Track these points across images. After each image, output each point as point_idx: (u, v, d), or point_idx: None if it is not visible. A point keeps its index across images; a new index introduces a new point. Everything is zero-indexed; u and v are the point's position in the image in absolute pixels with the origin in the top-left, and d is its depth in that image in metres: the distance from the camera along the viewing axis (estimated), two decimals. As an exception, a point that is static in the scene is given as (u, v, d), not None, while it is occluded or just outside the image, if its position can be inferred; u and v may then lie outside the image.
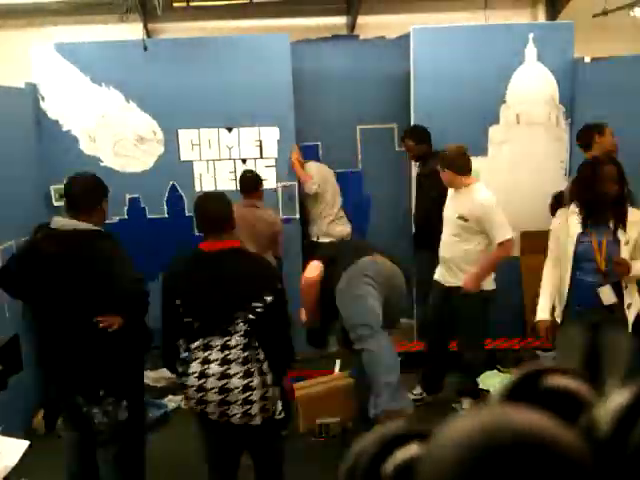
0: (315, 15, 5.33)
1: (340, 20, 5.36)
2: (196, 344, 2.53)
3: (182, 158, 4.77)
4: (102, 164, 4.72)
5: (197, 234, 4.83)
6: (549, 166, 4.79)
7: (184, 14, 5.22)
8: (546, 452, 0.40)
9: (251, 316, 2.49)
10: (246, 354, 2.50)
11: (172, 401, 4.39)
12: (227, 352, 2.50)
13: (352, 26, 5.26)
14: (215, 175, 4.79)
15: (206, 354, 2.52)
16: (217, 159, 4.78)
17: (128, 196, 4.76)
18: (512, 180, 4.78)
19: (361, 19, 5.23)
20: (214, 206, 2.63)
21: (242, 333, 2.49)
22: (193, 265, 2.63)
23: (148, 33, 5.08)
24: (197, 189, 4.77)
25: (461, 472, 0.40)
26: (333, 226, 4.95)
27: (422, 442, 0.49)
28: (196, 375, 2.51)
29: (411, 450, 0.49)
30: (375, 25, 5.28)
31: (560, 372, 0.50)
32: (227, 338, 2.50)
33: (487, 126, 4.75)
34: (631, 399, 0.43)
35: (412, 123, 4.69)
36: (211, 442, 2.75)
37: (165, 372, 4.61)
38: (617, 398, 0.44)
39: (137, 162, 4.76)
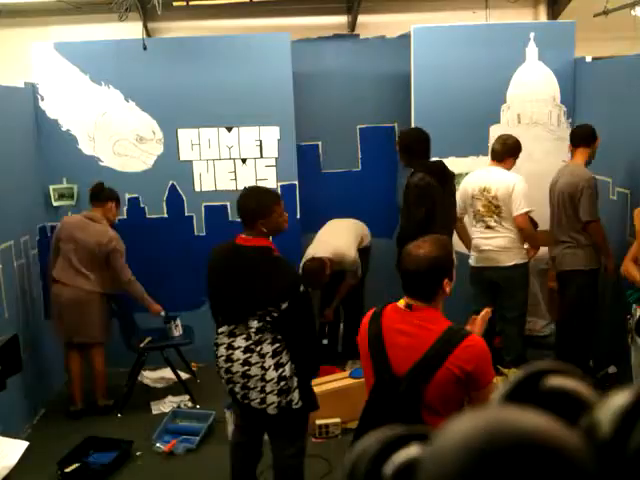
0: (315, 14, 5.32)
1: (340, 19, 5.35)
2: (222, 329, 2.72)
3: (182, 158, 4.77)
4: (101, 164, 4.72)
5: (196, 234, 4.87)
6: (550, 166, 4.77)
7: (184, 13, 5.22)
8: (548, 454, 0.40)
9: (268, 318, 2.61)
10: (260, 348, 2.64)
11: (172, 402, 4.38)
12: (250, 342, 2.65)
13: (352, 25, 5.26)
14: (215, 175, 4.78)
15: (230, 340, 2.69)
16: (217, 159, 4.77)
17: (127, 196, 4.76)
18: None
19: (361, 18, 5.23)
20: (247, 200, 2.71)
21: (254, 330, 2.63)
22: (225, 256, 2.77)
23: (148, 32, 5.07)
24: (197, 189, 4.77)
25: (462, 473, 0.39)
26: None
27: (423, 443, 0.48)
28: (223, 358, 2.71)
29: (412, 451, 0.49)
30: (375, 25, 5.27)
31: (561, 373, 0.50)
32: (248, 329, 2.65)
33: (487, 126, 4.75)
34: (632, 400, 0.43)
35: (412, 123, 4.69)
36: (239, 421, 2.99)
37: (164, 373, 4.62)
38: (618, 399, 0.44)
39: (137, 162, 4.75)
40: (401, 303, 2.08)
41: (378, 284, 4.69)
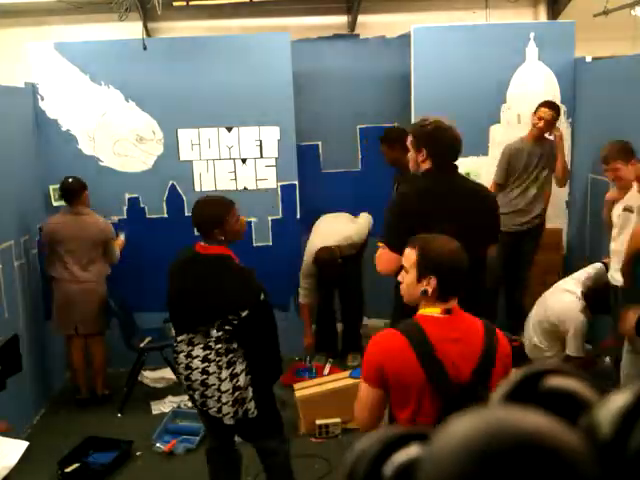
0: (315, 14, 5.32)
1: (340, 19, 5.35)
2: (181, 337, 2.71)
3: (182, 158, 4.76)
4: (101, 164, 4.71)
5: (196, 234, 4.85)
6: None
7: (184, 13, 5.21)
8: (549, 454, 0.39)
9: (227, 327, 2.60)
10: (218, 359, 2.64)
11: (172, 402, 4.38)
12: (208, 352, 2.64)
13: (352, 25, 5.26)
14: (215, 175, 4.78)
15: (189, 348, 2.68)
16: (217, 159, 4.77)
17: (127, 196, 4.76)
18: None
19: (361, 18, 5.22)
20: (202, 210, 2.74)
21: (214, 339, 2.62)
22: (184, 264, 2.79)
23: (148, 32, 5.07)
24: (197, 189, 4.77)
25: (462, 475, 0.39)
26: None
27: (423, 443, 0.48)
28: (183, 366, 2.71)
29: (411, 452, 0.49)
30: (375, 25, 5.27)
31: (561, 373, 0.50)
32: (207, 339, 2.64)
33: (487, 126, 4.74)
34: (632, 400, 0.43)
35: (412, 123, 4.68)
36: (207, 426, 3.00)
37: (164, 373, 4.61)
38: (618, 399, 0.43)
39: (136, 162, 4.75)
40: None
41: (376, 284, 4.67)
